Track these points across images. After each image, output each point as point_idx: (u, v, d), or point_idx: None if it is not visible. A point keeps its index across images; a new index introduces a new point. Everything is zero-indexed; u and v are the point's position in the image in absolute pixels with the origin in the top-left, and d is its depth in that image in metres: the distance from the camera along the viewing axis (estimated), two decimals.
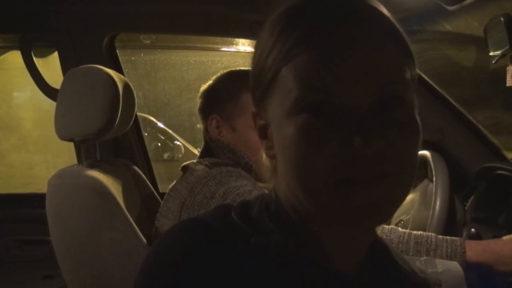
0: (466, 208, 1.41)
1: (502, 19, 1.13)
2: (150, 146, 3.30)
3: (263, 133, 0.57)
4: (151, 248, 0.53)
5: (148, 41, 2.53)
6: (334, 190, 0.48)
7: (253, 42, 2.21)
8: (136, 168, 1.64)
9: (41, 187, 2.02)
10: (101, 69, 1.36)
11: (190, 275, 0.48)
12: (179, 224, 0.55)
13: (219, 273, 0.48)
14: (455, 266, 0.98)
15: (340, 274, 0.55)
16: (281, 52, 0.51)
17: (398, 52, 0.51)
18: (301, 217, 0.54)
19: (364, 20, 0.50)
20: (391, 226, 1.15)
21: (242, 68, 1.40)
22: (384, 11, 0.53)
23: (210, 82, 1.41)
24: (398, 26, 0.53)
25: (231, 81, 1.36)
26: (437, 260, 0.98)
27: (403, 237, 1.09)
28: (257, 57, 0.55)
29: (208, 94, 1.38)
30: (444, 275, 0.94)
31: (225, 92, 1.35)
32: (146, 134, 2.09)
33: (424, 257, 1.01)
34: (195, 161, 1.35)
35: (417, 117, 0.51)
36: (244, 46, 2.45)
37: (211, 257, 0.49)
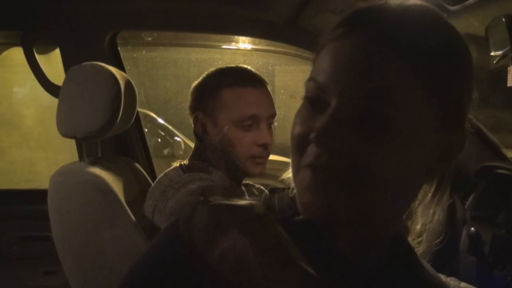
0: (465, 207, 1.41)
1: (503, 19, 1.13)
2: (150, 142, 3.30)
3: None
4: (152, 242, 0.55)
5: (150, 39, 2.53)
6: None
7: (254, 39, 2.22)
8: (137, 165, 1.65)
9: (42, 183, 2.03)
10: (103, 67, 1.36)
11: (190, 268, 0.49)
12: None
13: None
14: None
15: (356, 265, 0.55)
16: None
17: (403, 71, 0.49)
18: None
19: (377, 33, 0.50)
20: None
21: (227, 66, 1.41)
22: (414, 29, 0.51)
23: (197, 80, 1.42)
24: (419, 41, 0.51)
25: (213, 78, 1.37)
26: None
27: None
28: None
29: (194, 92, 1.40)
30: None
31: (207, 88, 1.36)
32: (146, 130, 2.09)
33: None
34: (184, 161, 1.36)
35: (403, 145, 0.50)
36: (245, 43, 2.45)
37: None
